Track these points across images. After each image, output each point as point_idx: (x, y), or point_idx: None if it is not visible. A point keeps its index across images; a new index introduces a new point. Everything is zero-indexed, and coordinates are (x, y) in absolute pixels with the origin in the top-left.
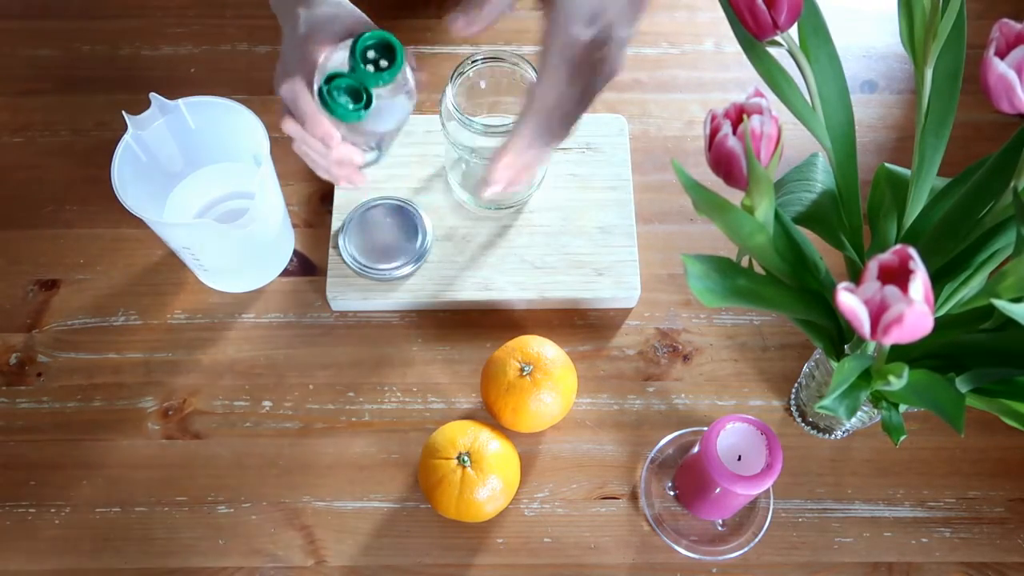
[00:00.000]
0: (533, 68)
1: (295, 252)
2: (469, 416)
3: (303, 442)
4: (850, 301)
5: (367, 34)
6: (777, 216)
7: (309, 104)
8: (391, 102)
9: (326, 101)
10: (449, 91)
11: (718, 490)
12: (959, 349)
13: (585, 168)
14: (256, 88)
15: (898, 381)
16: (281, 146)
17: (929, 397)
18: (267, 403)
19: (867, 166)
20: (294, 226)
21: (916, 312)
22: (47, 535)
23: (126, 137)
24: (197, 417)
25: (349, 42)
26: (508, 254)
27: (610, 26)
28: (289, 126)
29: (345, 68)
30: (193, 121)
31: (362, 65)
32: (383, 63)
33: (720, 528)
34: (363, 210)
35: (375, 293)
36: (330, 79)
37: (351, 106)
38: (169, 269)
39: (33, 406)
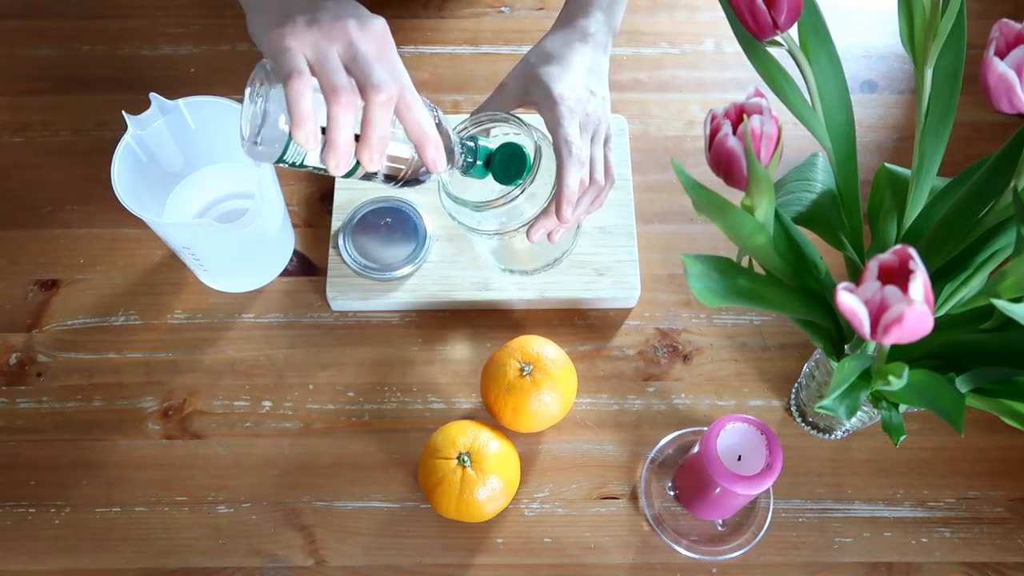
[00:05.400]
0: (512, 117)
1: (295, 252)
2: (469, 416)
3: (303, 442)
4: (850, 301)
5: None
6: (777, 216)
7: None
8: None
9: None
10: (443, 192)
11: (718, 490)
12: (959, 349)
13: None
14: None
15: (898, 381)
16: None
17: (929, 397)
18: (267, 403)
19: (867, 166)
20: (294, 226)
21: (916, 312)
22: (47, 535)
23: (126, 137)
24: (197, 417)
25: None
26: None
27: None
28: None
29: None
30: (193, 121)
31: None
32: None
33: (720, 528)
34: (363, 210)
35: (375, 293)
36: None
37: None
38: (169, 269)
39: (33, 406)
